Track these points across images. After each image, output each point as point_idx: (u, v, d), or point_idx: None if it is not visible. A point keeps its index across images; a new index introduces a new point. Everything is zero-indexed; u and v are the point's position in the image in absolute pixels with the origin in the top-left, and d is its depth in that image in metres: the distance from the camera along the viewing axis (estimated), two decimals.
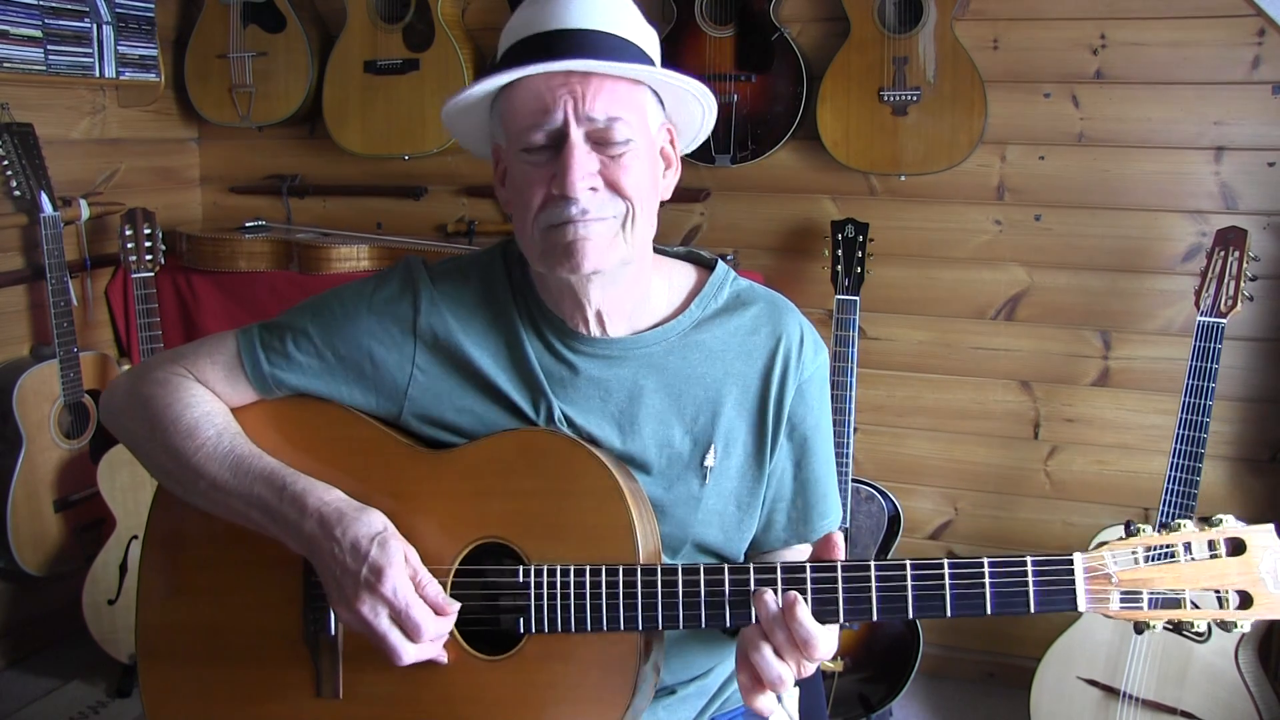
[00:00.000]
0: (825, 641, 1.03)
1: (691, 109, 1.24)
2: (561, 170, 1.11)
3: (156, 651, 1.28)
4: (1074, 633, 2.34)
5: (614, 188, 1.14)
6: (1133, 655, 2.26)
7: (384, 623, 1.09)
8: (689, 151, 1.32)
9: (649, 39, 1.21)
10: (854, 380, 2.52)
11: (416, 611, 1.09)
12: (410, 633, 1.10)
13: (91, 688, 2.77)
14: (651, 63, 1.19)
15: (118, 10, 2.90)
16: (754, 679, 1.05)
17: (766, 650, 1.04)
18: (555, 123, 1.12)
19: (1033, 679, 2.40)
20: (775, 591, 1.06)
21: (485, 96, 1.18)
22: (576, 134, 1.12)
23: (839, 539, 1.10)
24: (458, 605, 1.13)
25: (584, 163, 1.12)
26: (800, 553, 1.33)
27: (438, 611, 1.11)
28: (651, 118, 1.19)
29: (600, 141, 1.13)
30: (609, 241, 1.15)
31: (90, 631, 2.66)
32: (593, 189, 1.13)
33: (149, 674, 1.28)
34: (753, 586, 1.08)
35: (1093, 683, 2.31)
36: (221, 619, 1.25)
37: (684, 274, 1.30)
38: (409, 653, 1.10)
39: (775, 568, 1.08)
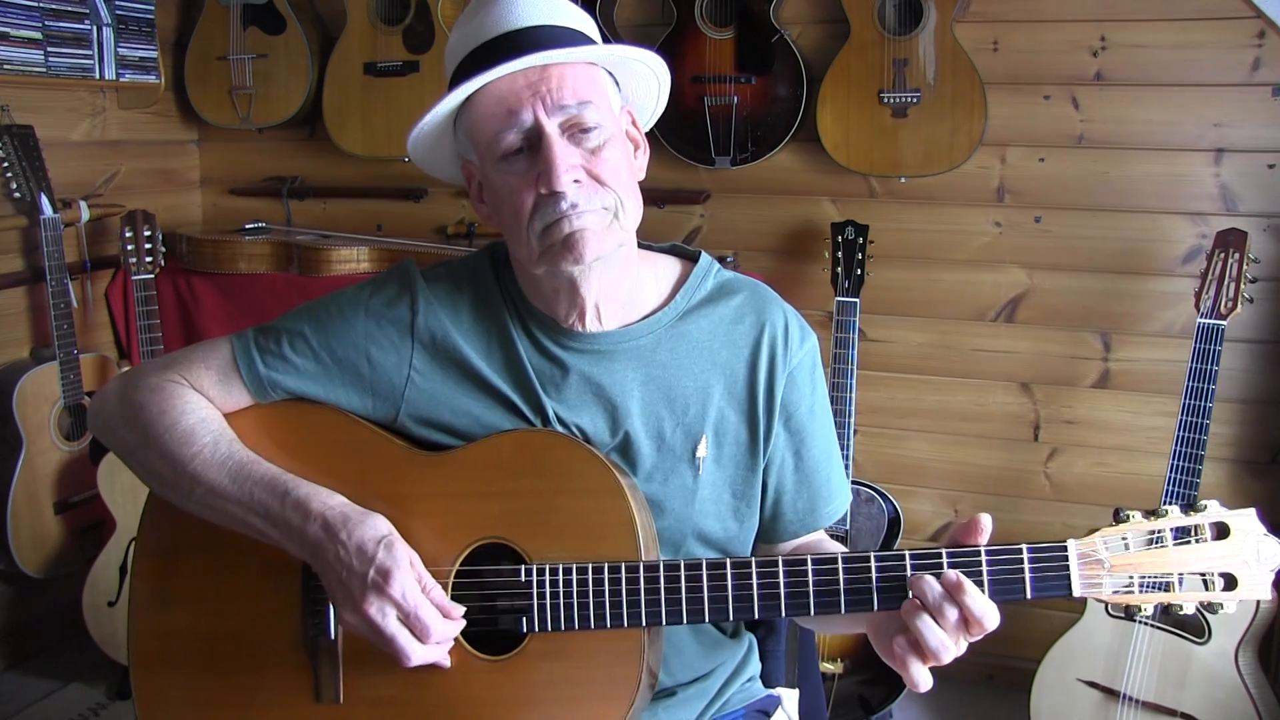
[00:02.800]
0: (994, 613, 1.03)
1: (647, 85, 1.25)
2: (545, 166, 1.12)
3: (150, 660, 1.27)
4: (1074, 635, 2.34)
5: (598, 180, 1.14)
6: (1132, 657, 2.26)
7: (392, 624, 1.09)
8: (649, 128, 1.31)
9: (590, 26, 1.22)
10: (854, 382, 2.52)
11: (425, 612, 1.10)
12: (419, 633, 1.10)
13: (92, 690, 2.77)
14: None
15: (118, 12, 2.90)
16: (916, 651, 1.04)
17: (927, 619, 1.02)
18: (526, 121, 1.13)
19: (1033, 681, 2.39)
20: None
21: (448, 118, 1.19)
22: (551, 128, 1.12)
23: (984, 522, 1.07)
24: (462, 609, 1.13)
25: (565, 154, 1.12)
26: (812, 542, 1.33)
27: (444, 615, 1.11)
28: (613, 101, 1.20)
29: (575, 130, 1.14)
30: (605, 230, 1.16)
31: (90, 633, 2.65)
32: (576, 181, 1.13)
33: (142, 682, 1.27)
34: (754, 578, 1.09)
35: (1093, 684, 2.31)
36: (216, 626, 1.25)
37: (669, 267, 1.31)
38: (417, 653, 1.10)
39: (777, 561, 1.10)
